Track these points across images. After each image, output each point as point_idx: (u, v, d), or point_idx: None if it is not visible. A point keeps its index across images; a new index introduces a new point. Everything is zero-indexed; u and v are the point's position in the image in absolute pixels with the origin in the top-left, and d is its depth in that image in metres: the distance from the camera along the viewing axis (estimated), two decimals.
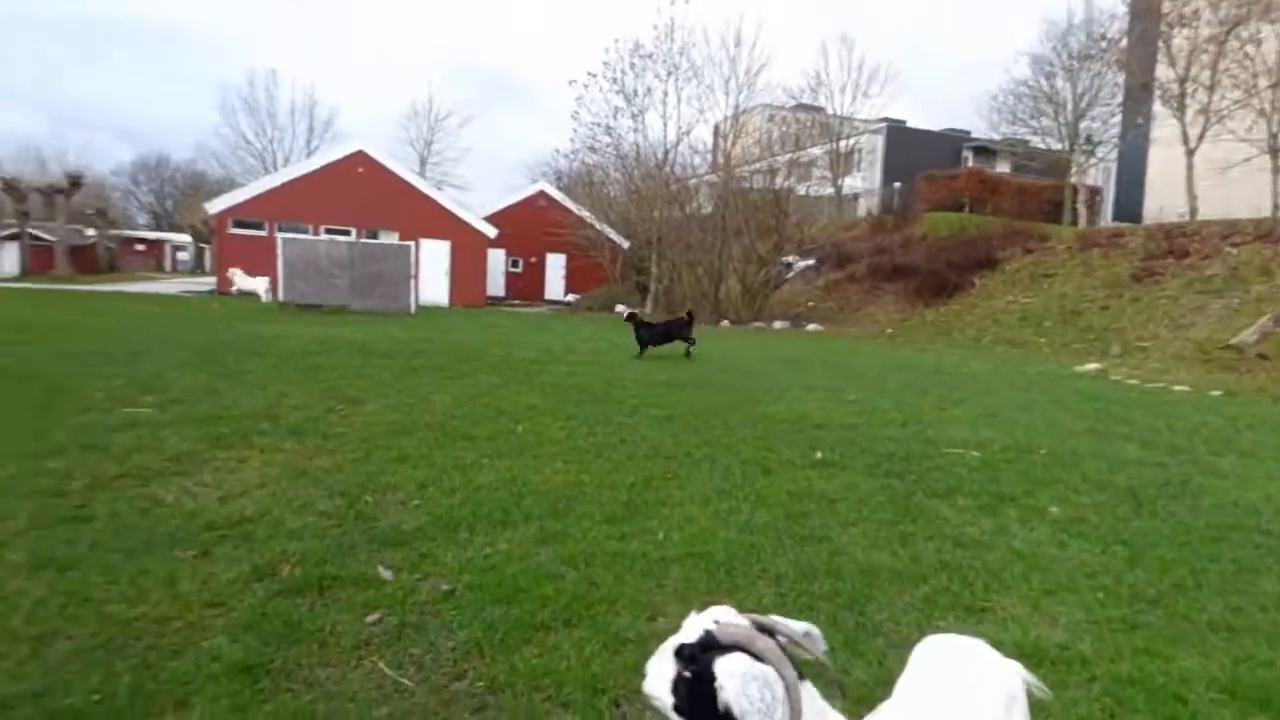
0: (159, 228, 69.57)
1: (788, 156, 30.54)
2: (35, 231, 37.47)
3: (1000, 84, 35.40)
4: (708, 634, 1.21)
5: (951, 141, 44.26)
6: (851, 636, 2.89)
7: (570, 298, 34.40)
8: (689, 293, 28.13)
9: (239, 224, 24.94)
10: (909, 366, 13.73)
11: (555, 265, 36.49)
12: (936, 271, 24.58)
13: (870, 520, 4.34)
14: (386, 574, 3.30)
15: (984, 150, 42.16)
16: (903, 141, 43.88)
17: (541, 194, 35.56)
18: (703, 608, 1.30)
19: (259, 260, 22.61)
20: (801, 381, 10.53)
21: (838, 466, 5.61)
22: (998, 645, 1.67)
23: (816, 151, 37.91)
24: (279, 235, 21.89)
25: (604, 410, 7.56)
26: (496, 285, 32.87)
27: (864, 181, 43.64)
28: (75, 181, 36.36)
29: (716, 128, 29.34)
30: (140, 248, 58.68)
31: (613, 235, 32.27)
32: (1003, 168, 39.43)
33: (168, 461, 4.86)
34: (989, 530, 4.24)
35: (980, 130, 38.99)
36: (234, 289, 21.11)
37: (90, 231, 41.26)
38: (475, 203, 36.14)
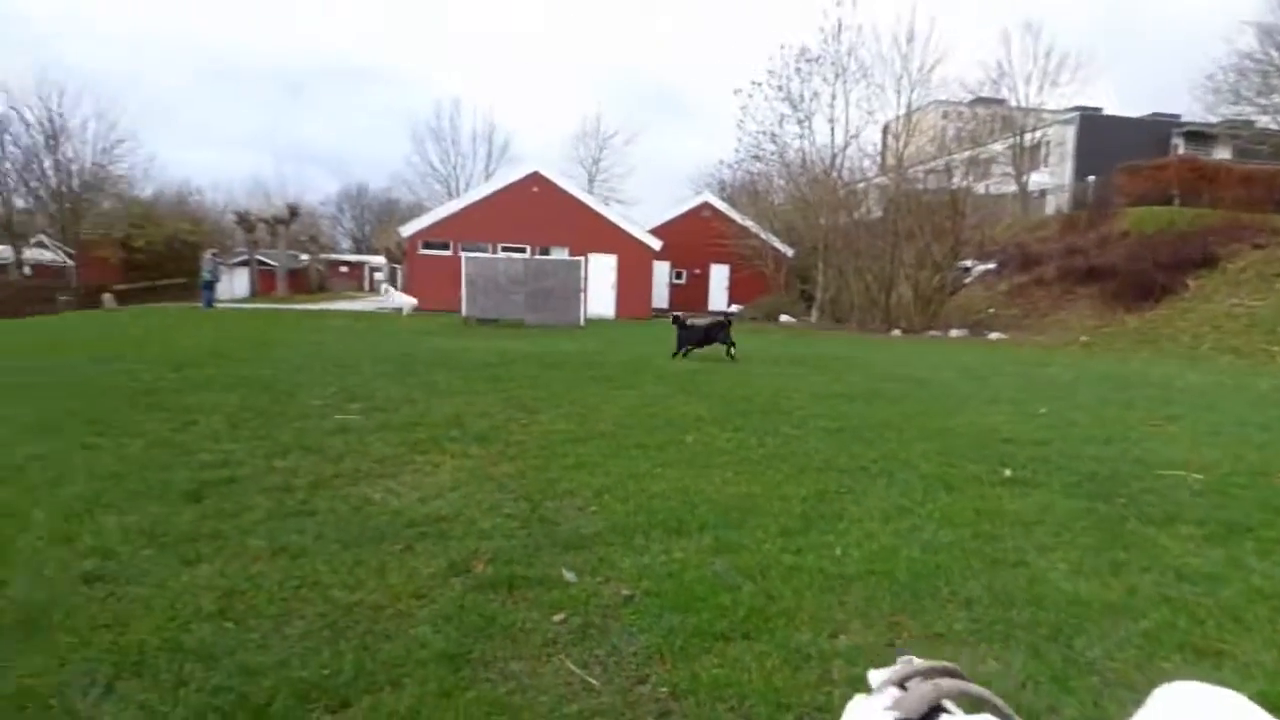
0: (358, 250, 76.75)
1: (965, 154, 28.93)
2: (261, 257, 42.60)
3: (1219, 60, 31.46)
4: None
5: (1156, 128, 40.05)
6: (1060, 672, 2.67)
7: (734, 308, 34.36)
8: (857, 300, 27.27)
9: (427, 245, 27.04)
10: (1110, 378, 12.53)
11: (719, 276, 36.61)
12: (1140, 272, 22.29)
13: (1073, 545, 3.99)
14: (570, 576, 3.43)
15: (1198, 135, 37.81)
16: (1097, 131, 40.17)
17: (706, 205, 35.83)
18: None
19: (444, 278, 24.35)
20: (984, 393, 9.90)
21: (1030, 485, 5.21)
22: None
23: (998, 147, 35.64)
24: (463, 254, 23.48)
25: (771, 421, 7.47)
26: (661, 297, 33.43)
27: (1052, 177, 40.40)
28: (294, 212, 41.05)
29: (887, 128, 28.30)
30: (344, 269, 64.91)
31: (777, 244, 31.92)
32: (1222, 154, 35.19)
33: (374, 464, 5.32)
34: (1219, 563, 3.78)
35: (1193, 113, 35.06)
36: (389, 305, 22.59)
37: (304, 256, 46.23)
38: (640, 216, 36.99)
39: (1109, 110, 42.75)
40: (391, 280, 70.06)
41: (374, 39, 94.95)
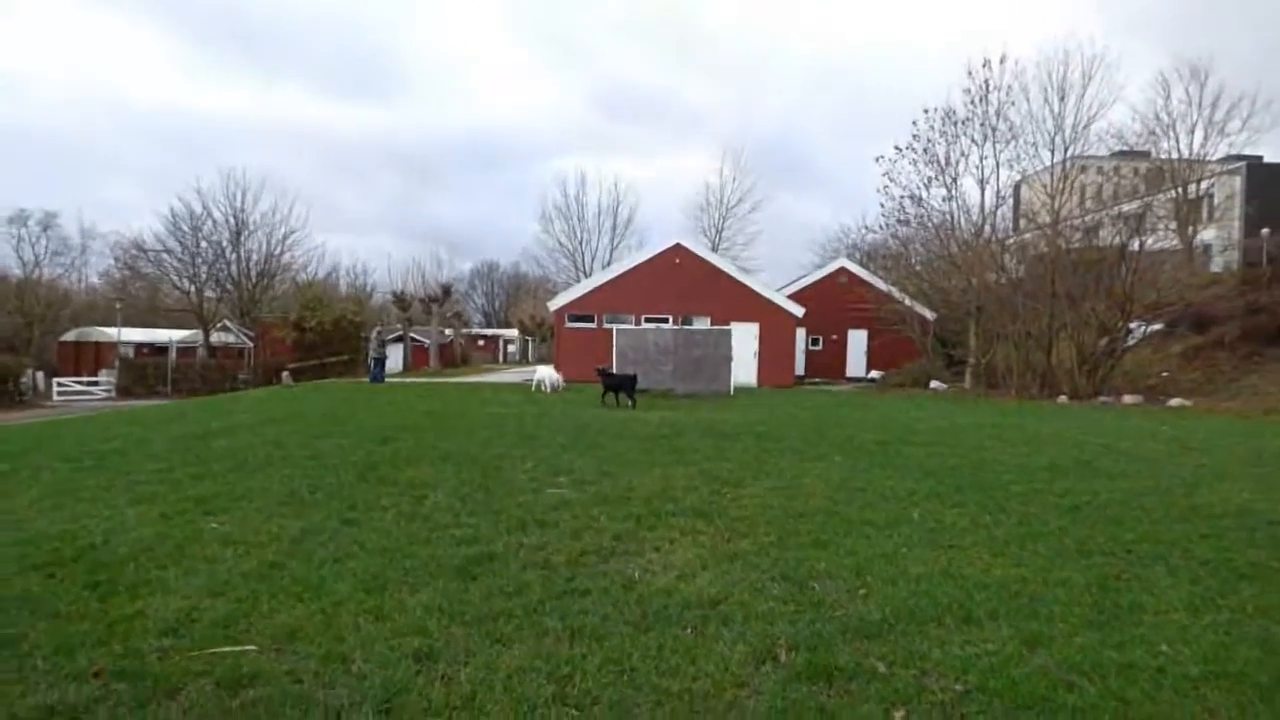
0: (488, 324, 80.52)
1: (1126, 208, 27.36)
2: (413, 334, 45.44)
3: None
4: None
5: None
6: None
7: (874, 374, 33.37)
8: (1014, 366, 25.87)
9: (573, 318, 27.95)
10: None
11: (857, 342, 35.78)
12: None
13: None
14: (882, 667, 3.28)
15: None
16: (1267, 181, 37.10)
17: (842, 270, 35.37)
18: None
19: (591, 350, 25.02)
20: (1212, 467, 9.03)
21: None
22: None
23: (1160, 199, 33.50)
24: (615, 326, 24.08)
25: (992, 497, 7.07)
26: (797, 364, 32.97)
27: (1218, 231, 37.49)
28: (447, 291, 43.79)
29: (1018, 186, 27.25)
30: (481, 343, 68.05)
31: (920, 309, 30.98)
32: None
33: (612, 540, 5.38)
34: None
35: None
36: (535, 380, 22.46)
37: (448, 331, 48.82)
38: (767, 284, 36.88)
39: (1270, 158, 39.42)
40: (523, 352, 73.10)
41: (498, 120, 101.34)
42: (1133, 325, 26.34)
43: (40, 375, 40.38)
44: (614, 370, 19.08)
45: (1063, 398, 23.74)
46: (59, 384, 39.05)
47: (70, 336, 48.14)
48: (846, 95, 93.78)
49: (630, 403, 17.06)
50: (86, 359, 45.95)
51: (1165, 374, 25.74)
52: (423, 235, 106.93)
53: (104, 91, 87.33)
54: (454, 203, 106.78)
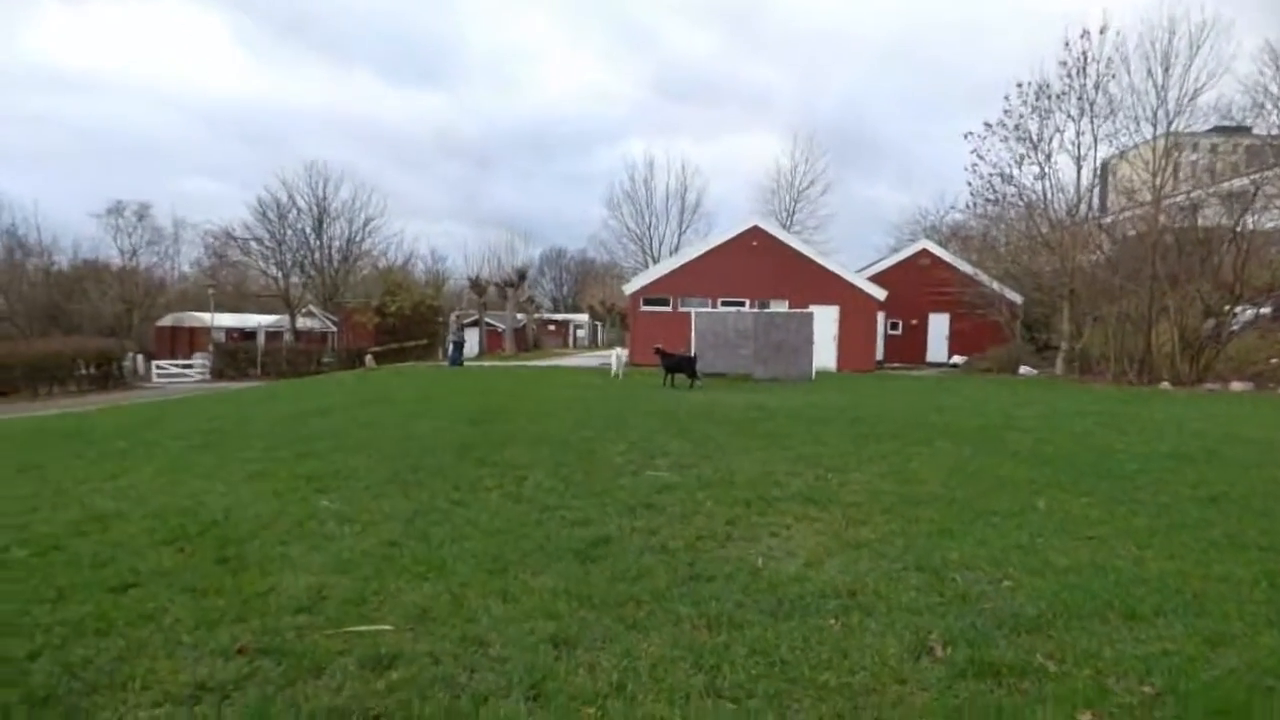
0: (556, 309, 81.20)
1: (1234, 184, 25.59)
2: (488, 319, 46.18)
3: None
4: None
5: None
6: None
7: (956, 359, 32.27)
8: (1111, 350, 24.59)
9: (648, 301, 27.80)
10: None
11: (938, 326, 34.62)
12: None
13: None
14: (1052, 665, 3.04)
15: None
16: None
17: (924, 253, 34.22)
18: None
19: (666, 332, 24.85)
20: None
21: None
22: None
23: (1265, 175, 31.30)
24: (693, 310, 23.86)
25: (1120, 486, 6.63)
26: (877, 348, 32.12)
27: None
28: (522, 276, 44.30)
29: (1106, 164, 25.78)
30: (552, 328, 68.71)
31: (1008, 292, 29.74)
32: None
33: (727, 525, 5.21)
34: None
35: None
36: (609, 363, 22.27)
37: (521, 316, 49.40)
38: (845, 266, 35.96)
39: None
40: (593, 337, 73.47)
41: (559, 106, 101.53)
42: (1238, 310, 24.73)
43: (140, 358, 42.53)
44: (692, 353, 18.95)
45: (1165, 384, 22.46)
46: (158, 366, 41.02)
47: (166, 321, 50.54)
48: (914, 72, 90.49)
49: (691, 383, 17.11)
50: (181, 343, 48.18)
51: (1274, 360, 24.10)
52: (489, 222, 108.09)
53: (177, 86, 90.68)
54: (518, 190, 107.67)
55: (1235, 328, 24.45)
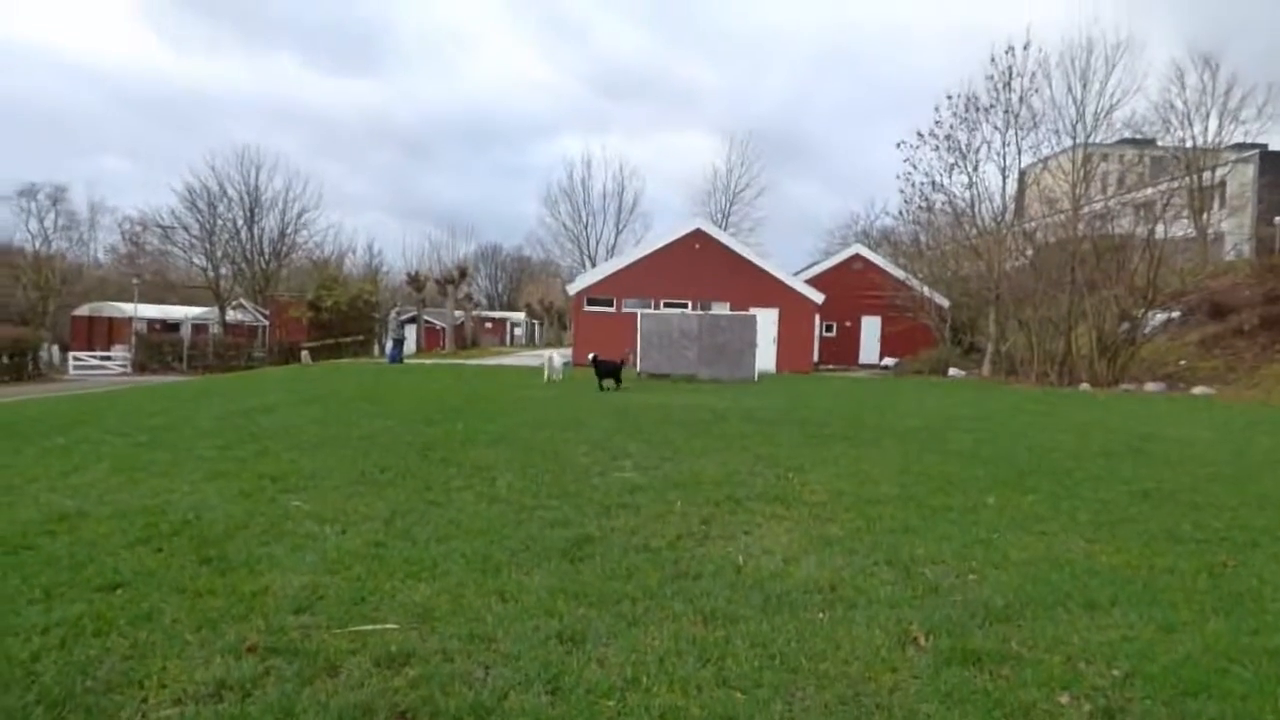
0: (492, 307, 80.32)
1: (1144, 193, 27.22)
2: (425, 316, 45.40)
3: None
4: None
5: None
6: None
7: (887, 361, 33.35)
8: (1034, 353, 25.84)
9: (592, 301, 27.88)
10: None
11: (870, 328, 35.70)
12: None
13: None
14: (1026, 652, 3.29)
15: None
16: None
17: (857, 257, 35.25)
18: None
19: (609, 333, 24.98)
20: (1274, 455, 9.03)
21: None
22: None
23: (1172, 187, 33.30)
24: (639, 311, 24.00)
25: (1061, 483, 7.08)
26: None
27: (1230, 219, 37.34)
28: (463, 273, 43.67)
29: (1063, 173, 27.11)
30: (489, 326, 67.92)
31: (937, 296, 30.90)
32: None
33: (702, 525, 5.38)
34: None
35: None
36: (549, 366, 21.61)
37: (458, 313, 48.73)
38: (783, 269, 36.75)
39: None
40: (530, 335, 72.89)
41: (492, 98, 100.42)
42: (1151, 314, 26.30)
43: (55, 349, 40.40)
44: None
45: (1084, 385, 23.73)
46: (75, 358, 39.03)
47: (83, 311, 48.04)
48: (846, 79, 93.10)
49: (616, 385, 17.40)
50: (99, 334, 45.91)
51: (1183, 362, 25.70)
52: (418, 214, 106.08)
53: (86, 59, 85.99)
54: (450, 182, 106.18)
55: (1148, 331, 26.01)
